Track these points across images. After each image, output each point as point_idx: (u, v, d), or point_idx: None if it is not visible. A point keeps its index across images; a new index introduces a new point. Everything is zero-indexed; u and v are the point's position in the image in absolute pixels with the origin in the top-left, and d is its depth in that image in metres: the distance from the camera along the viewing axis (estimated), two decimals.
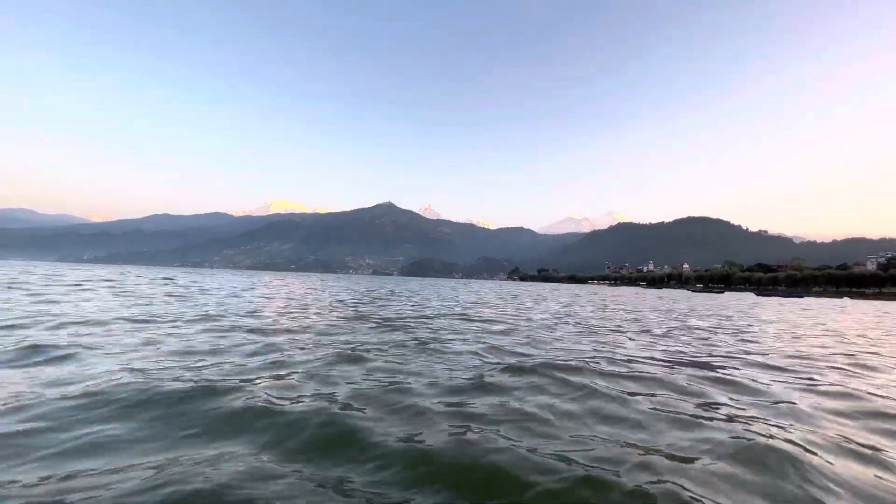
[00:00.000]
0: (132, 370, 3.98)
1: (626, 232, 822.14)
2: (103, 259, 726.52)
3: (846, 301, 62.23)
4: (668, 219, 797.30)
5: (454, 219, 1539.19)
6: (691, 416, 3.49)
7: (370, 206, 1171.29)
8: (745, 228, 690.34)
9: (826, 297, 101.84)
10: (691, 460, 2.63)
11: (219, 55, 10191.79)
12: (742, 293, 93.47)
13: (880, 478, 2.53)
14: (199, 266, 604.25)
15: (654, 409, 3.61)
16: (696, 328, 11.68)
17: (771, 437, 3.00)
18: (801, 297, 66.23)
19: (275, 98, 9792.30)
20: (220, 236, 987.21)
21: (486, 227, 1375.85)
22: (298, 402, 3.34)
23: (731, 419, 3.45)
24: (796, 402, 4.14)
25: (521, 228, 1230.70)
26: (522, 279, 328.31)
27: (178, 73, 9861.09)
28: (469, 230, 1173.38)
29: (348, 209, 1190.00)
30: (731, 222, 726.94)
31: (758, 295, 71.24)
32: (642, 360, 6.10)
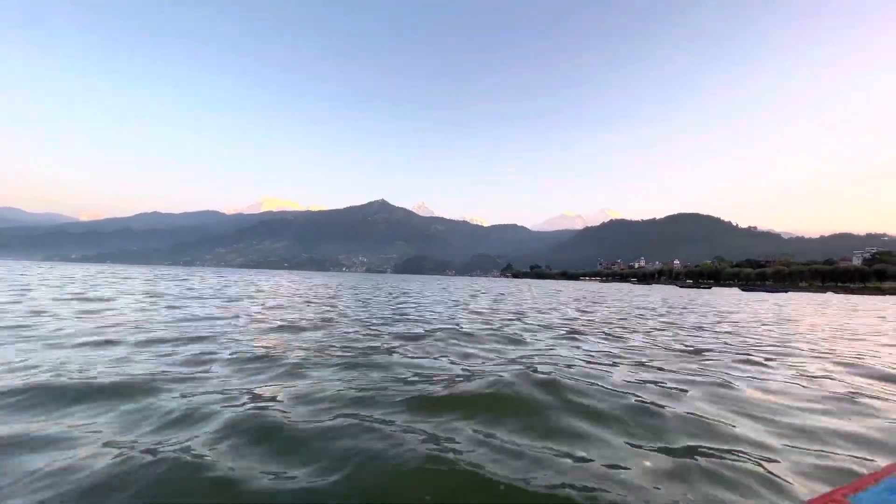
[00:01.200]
0: None
1: (618, 229, 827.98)
2: (92, 258, 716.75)
3: (830, 295, 63.17)
4: (661, 215, 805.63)
5: (448, 216, 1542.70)
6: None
7: (363, 203, 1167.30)
8: (735, 225, 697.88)
9: (811, 291, 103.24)
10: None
11: (211, 54, 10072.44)
12: (730, 288, 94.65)
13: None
14: (191, 265, 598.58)
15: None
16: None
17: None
18: (786, 291, 67.16)
19: (267, 96, 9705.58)
20: (212, 235, 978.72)
21: (480, 224, 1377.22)
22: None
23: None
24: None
25: (515, 226, 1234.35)
26: (515, 276, 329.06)
27: (167, 71, 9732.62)
28: (463, 228, 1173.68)
29: (341, 207, 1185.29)
30: (722, 219, 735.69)
31: (742, 290, 72.22)
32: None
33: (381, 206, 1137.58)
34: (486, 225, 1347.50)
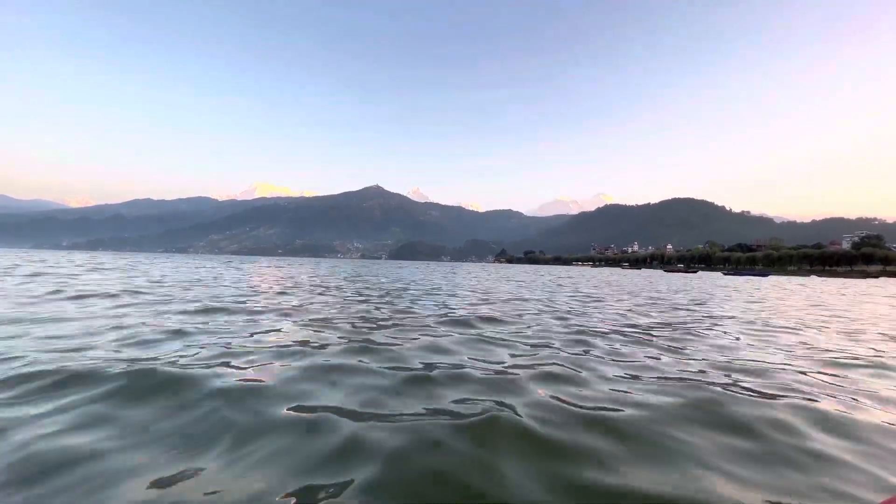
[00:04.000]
0: None
1: (613, 213, 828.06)
2: (83, 245, 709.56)
3: (811, 278, 63.39)
4: (655, 200, 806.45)
5: (443, 202, 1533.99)
6: None
7: (358, 189, 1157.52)
8: (728, 209, 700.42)
9: (798, 275, 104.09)
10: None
11: (204, 40, 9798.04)
12: (715, 273, 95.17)
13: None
14: (184, 252, 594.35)
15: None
16: None
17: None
18: (766, 275, 67.34)
19: (260, 82, 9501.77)
20: (205, 221, 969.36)
21: (475, 209, 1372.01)
22: None
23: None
24: None
25: (510, 211, 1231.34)
26: (509, 261, 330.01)
27: (158, 58, 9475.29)
28: (458, 213, 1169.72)
29: (336, 193, 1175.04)
30: (716, 204, 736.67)
31: (724, 274, 72.65)
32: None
33: (376, 192, 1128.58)
34: (481, 210, 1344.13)
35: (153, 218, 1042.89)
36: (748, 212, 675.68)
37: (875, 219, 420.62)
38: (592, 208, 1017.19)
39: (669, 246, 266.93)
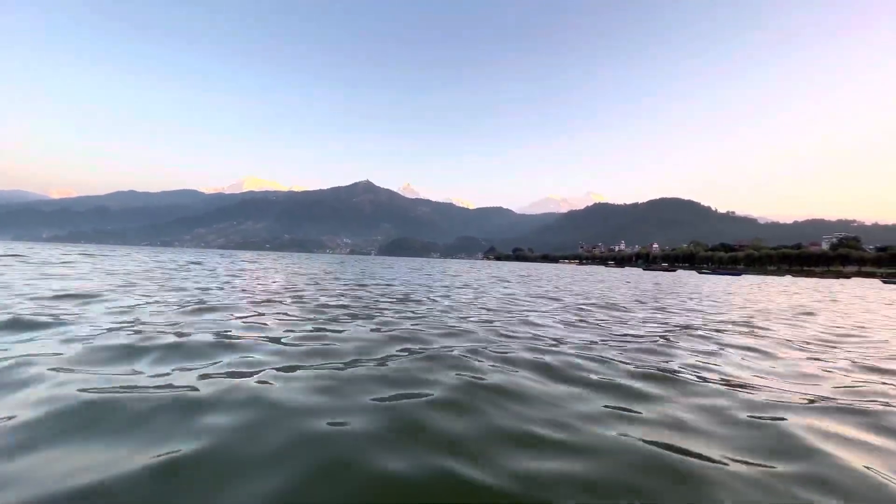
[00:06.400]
0: None
1: (602, 212, 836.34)
2: (64, 238, 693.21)
3: (784, 278, 64.48)
4: (644, 200, 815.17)
5: (434, 198, 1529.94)
6: None
7: (348, 184, 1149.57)
8: (714, 209, 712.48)
9: (775, 275, 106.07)
10: None
11: (190, 34, 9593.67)
12: (689, 271, 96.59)
13: None
14: (169, 245, 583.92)
15: None
16: None
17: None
18: (738, 275, 68.27)
19: (251, 75, 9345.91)
20: (191, 214, 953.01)
21: (465, 206, 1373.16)
22: None
23: None
24: None
25: (501, 208, 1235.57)
26: (498, 259, 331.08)
27: (144, 47, 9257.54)
28: (448, 210, 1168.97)
29: (325, 187, 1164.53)
30: (702, 204, 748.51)
31: (699, 273, 73.86)
32: None
33: (366, 187, 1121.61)
34: (472, 207, 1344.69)
35: (137, 210, 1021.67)
36: (733, 212, 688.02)
37: (854, 220, 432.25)
38: (582, 207, 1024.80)
39: (655, 245, 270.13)
